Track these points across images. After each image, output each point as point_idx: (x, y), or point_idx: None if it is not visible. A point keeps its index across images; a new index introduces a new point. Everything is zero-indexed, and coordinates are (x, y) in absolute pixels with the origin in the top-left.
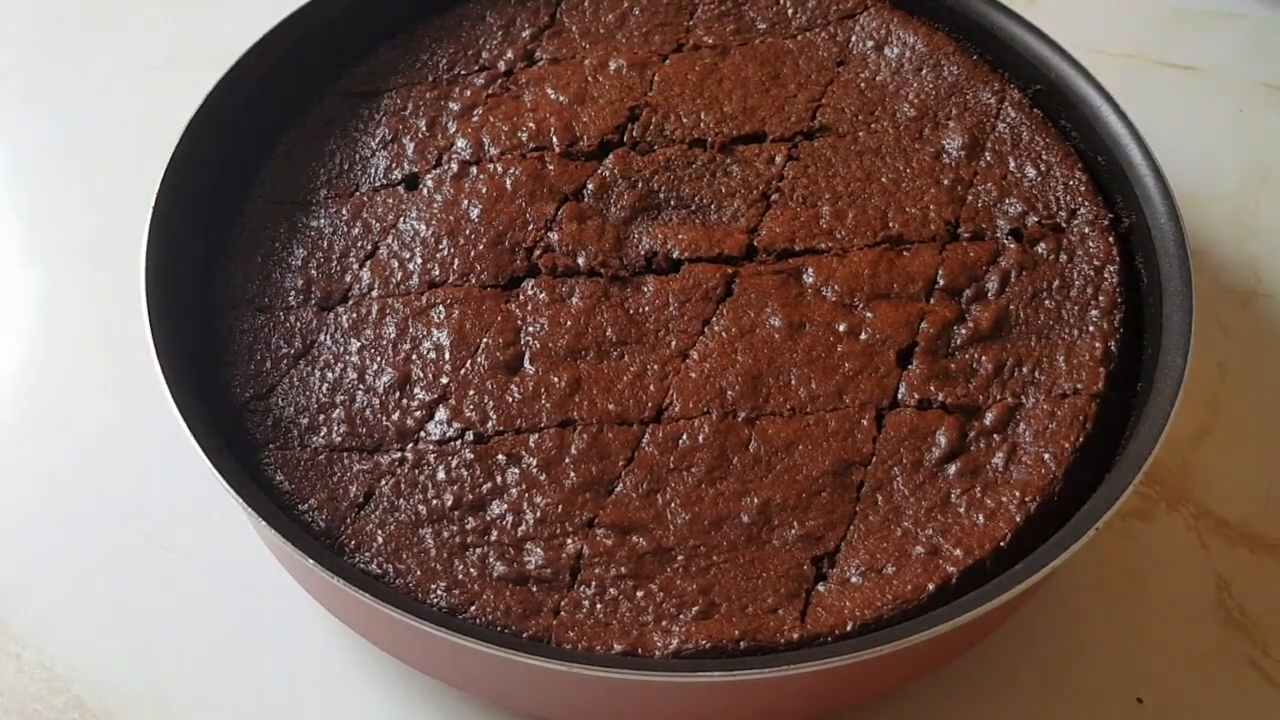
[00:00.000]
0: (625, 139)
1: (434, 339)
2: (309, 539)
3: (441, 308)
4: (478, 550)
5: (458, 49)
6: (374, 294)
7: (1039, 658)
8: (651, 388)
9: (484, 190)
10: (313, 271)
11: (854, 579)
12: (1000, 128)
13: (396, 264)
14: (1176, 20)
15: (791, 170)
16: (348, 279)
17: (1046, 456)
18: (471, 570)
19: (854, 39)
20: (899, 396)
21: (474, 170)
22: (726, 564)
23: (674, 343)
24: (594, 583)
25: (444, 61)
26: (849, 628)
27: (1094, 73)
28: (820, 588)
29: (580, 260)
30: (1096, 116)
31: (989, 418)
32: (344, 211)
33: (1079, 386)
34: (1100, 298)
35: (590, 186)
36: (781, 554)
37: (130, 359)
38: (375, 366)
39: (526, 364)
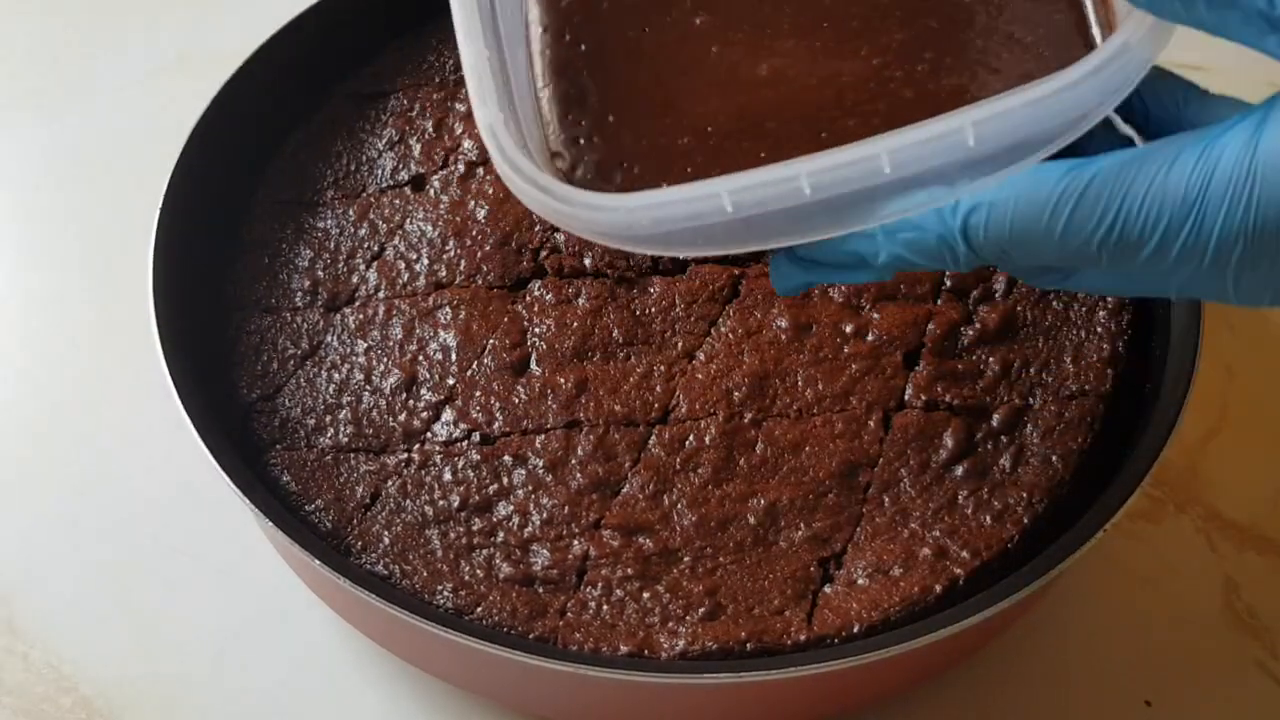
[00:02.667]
0: None
1: (440, 340)
2: (315, 540)
3: (448, 309)
4: (484, 551)
5: None
6: (380, 295)
7: (1046, 660)
8: (658, 389)
9: (490, 191)
10: (319, 272)
11: (861, 580)
12: None
13: (403, 265)
14: None
15: None
16: (354, 280)
17: (1054, 458)
18: (478, 571)
19: None
20: (905, 398)
21: (480, 171)
22: (733, 565)
23: (680, 344)
24: (600, 584)
25: (450, 63)
26: (856, 629)
27: None
28: (827, 589)
29: (586, 261)
30: (1105, 117)
31: (996, 419)
32: (351, 212)
33: (1086, 387)
34: (1108, 298)
35: None
36: (788, 555)
37: (137, 359)
38: (382, 367)
39: (533, 365)
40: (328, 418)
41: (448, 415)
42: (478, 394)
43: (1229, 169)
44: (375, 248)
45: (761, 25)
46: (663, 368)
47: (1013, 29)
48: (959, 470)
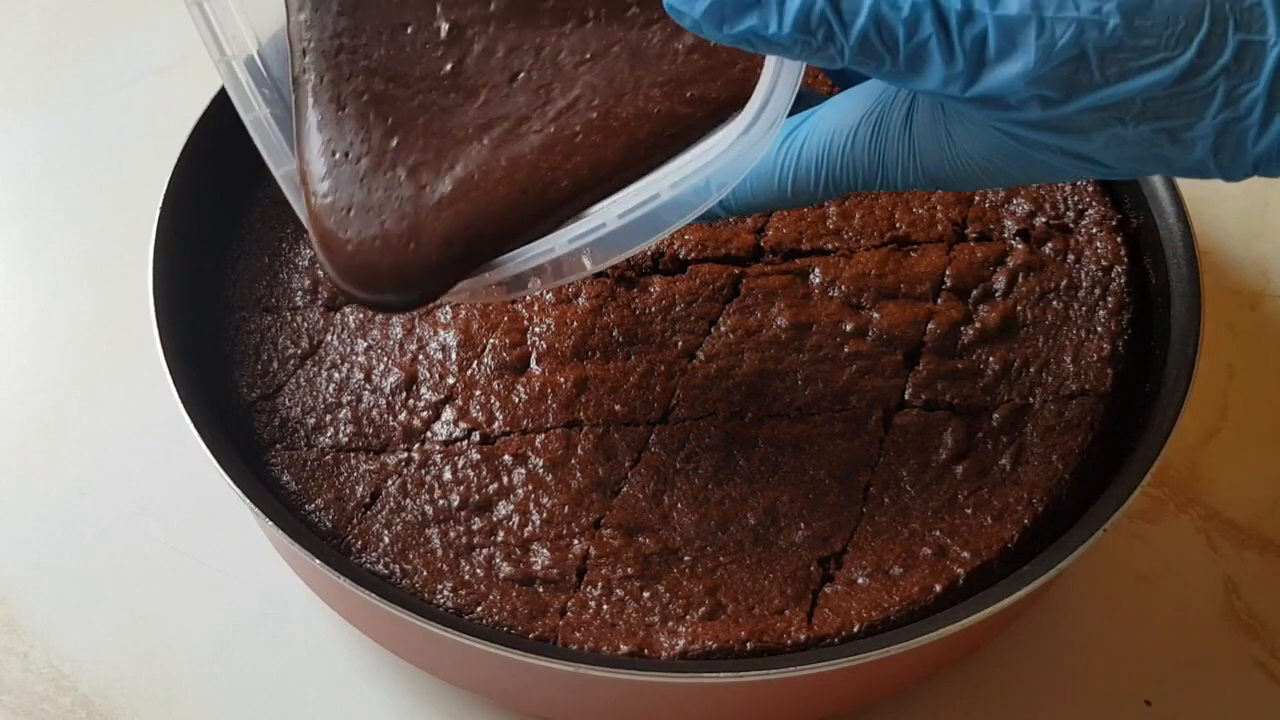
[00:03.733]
0: None
1: (440, 339)
2: (315, 539)
3: (448, 308)
4: (484, 551)
5: None
6: None
7: (1046, 660)
8: (658, 388)
9: None
10: (319, 272)
11: (861, 580)
12: None
13: None
14: None
15: None
16: None
17: (1054, 457)
18: (478, 571)
19: None
20: (906, 397)
21: None
22: (733, 565)
23: (680, 343)
24: (600, 583)
25: None
26: (856, 629)
27: None
28: (827, 589)
29: None
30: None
31: (996, 418)
32: None
33: (1086, 387)
34: (1108, 298)
35: None
36: (788, 555)
37: (137, 359)
38: (382, 367)
39: (533, 364)
40: (328, 417)
41: (448, 415)
42: (478, 393)
43: (895, 141)
44: None
45: (442, 137)
46: (663, 367)
47: (677, 45)
48: (959, 470)
